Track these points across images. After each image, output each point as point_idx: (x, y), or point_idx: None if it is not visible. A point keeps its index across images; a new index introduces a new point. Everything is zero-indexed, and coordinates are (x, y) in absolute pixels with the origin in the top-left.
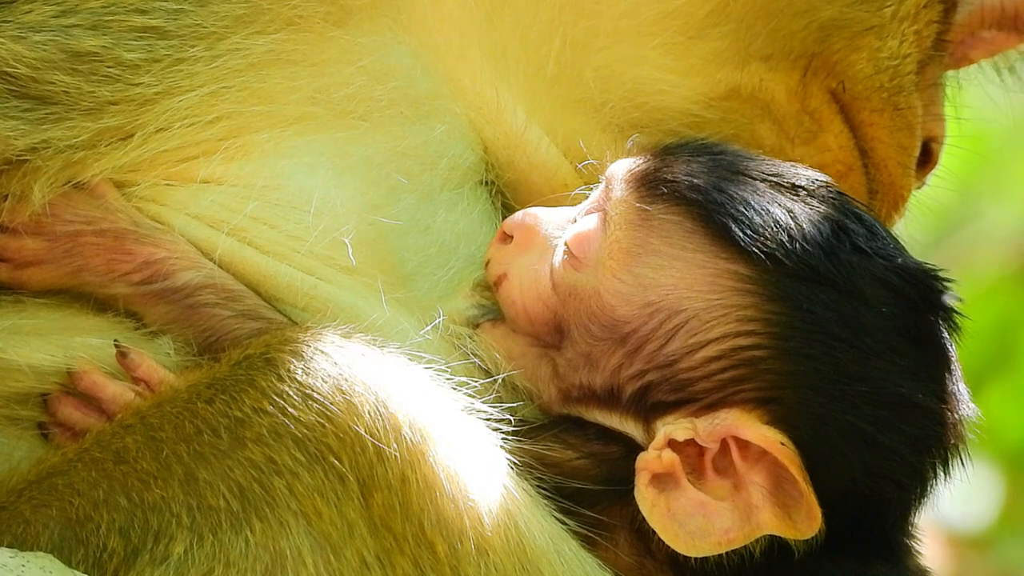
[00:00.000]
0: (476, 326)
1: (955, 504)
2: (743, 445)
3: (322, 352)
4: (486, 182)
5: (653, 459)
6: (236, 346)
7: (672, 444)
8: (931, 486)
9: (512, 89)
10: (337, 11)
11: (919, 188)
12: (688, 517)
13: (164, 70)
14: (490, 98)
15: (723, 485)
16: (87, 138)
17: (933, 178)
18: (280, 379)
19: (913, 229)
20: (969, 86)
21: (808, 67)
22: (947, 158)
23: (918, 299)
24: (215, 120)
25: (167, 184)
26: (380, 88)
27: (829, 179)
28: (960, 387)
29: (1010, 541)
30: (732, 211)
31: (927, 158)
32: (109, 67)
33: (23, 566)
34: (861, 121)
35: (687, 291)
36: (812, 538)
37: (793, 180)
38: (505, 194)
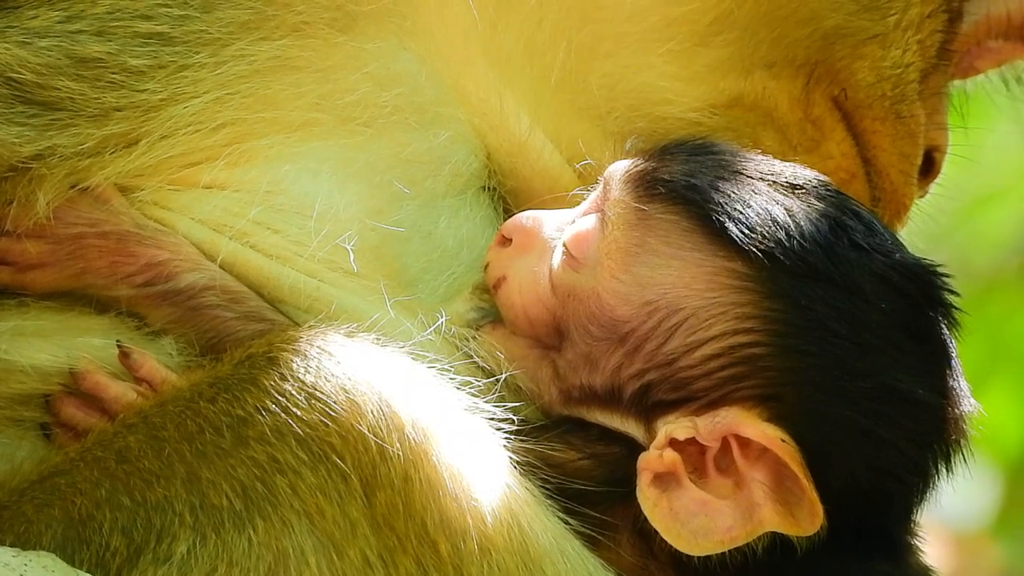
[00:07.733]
0: (477, 329)
1: (954, 503)
2: (744, 443)
3: (325, 351)
4: (489, 188)
5: (654, 458)
6: (239, 347)
7: (673, 443)
8: (932, 482)
9: (516, 95)
10: (342, 17)
11: (921, 197)
12: (690, 516)
13: (169, 76)
14: (494, 104)
15: (725, 483)
16: (92, 145)
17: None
18: (283, 378)
19: (913, 231)
20: (974, 93)
21: (811, 75)
22: (949, 164)
23: (917, 295)
24: (219, 126)
25: (171, 189)
26: (385, 94)
27: (827, 178)
28: (960, 383)
29: (1009, 541)
30: (729, 209)
31: (929, 167)
32: (114, 73)
33: (25, 565)
34: (864, 129)
35: (685, 289)
36: (815, 535)
37: (790, 179)
38: (507, 200)
